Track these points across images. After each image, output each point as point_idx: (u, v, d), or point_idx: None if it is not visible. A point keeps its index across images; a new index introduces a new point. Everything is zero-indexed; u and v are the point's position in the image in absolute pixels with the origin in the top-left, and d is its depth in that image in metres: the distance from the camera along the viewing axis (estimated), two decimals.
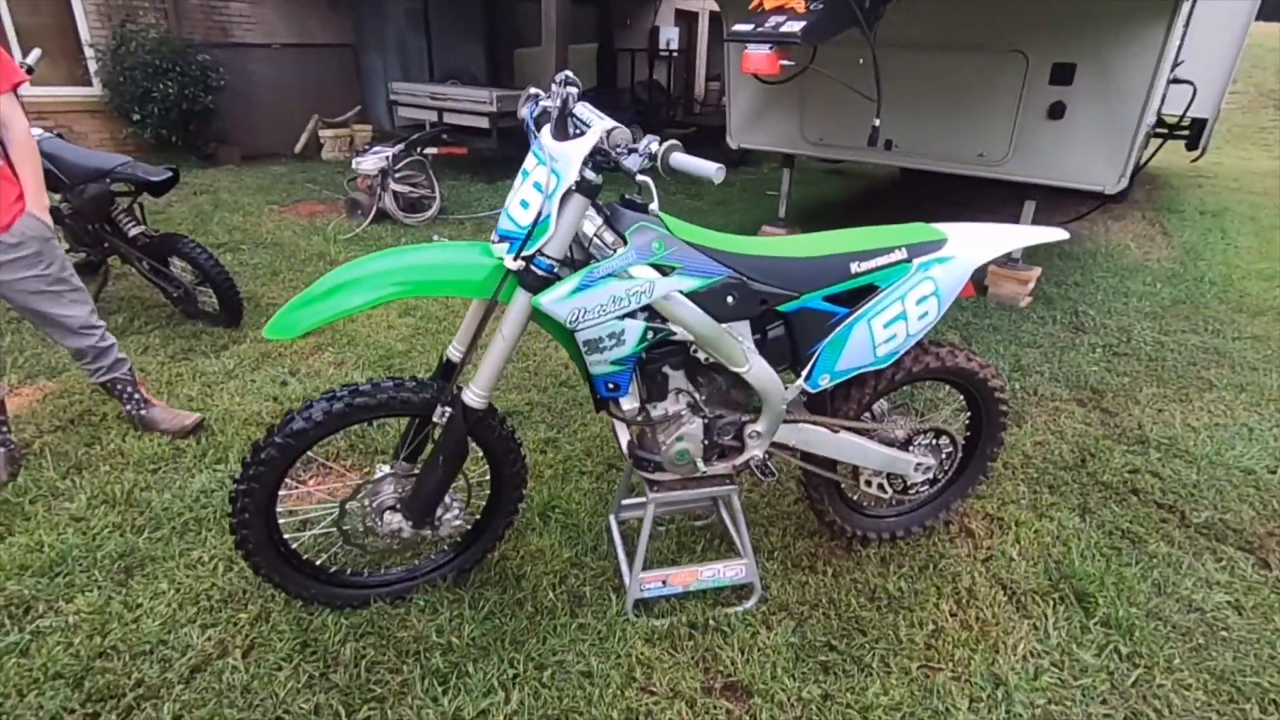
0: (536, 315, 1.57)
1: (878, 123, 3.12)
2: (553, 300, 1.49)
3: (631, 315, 1.57)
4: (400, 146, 5.61)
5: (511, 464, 1.86)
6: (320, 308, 1.47)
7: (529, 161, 1.55)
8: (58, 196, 3.59)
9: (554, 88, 1.68)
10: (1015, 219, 5.55)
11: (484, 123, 7.18)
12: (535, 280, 1.51)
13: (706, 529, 2.29)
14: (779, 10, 2.77)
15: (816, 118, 4.70)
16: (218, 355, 3.29)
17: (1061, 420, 3.05)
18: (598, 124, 1.46)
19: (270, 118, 8.24)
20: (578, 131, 1.56)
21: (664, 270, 1.58)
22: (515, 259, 1.50)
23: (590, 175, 1.44)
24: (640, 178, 1.35)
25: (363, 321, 3.79)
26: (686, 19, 15.55)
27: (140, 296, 3.93)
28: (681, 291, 1.60)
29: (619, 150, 1.40)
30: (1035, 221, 4.40)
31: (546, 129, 1.59)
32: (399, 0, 9.88)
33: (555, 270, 1.53)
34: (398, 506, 1.74)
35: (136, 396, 2.56)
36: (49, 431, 2.58)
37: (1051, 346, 3.80)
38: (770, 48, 2.70)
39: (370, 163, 5.52)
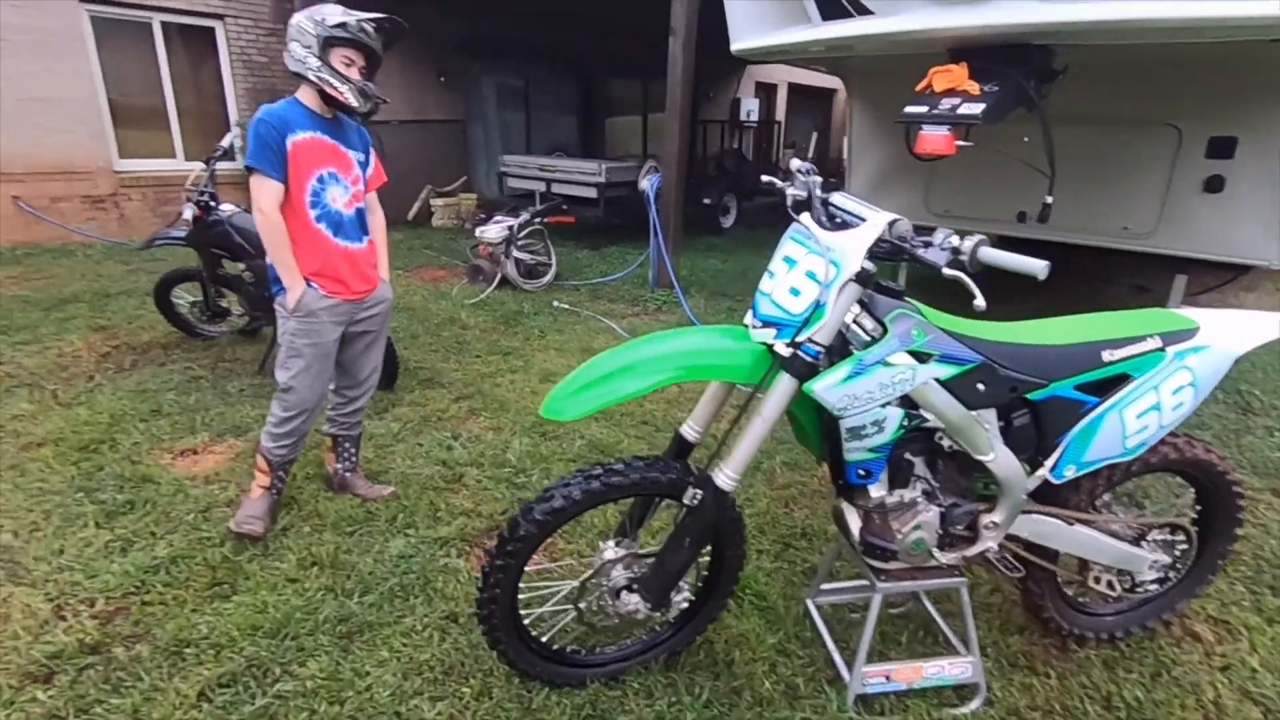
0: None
1: (1050, 199, 3.08)
2: (825, 387, 1.49)
3: (891, 402, 1.56)
4: (525, 216, 5.87)
5: (736, 545, 1.84)
6: (600, 391, 1.51)
7: (793, 250, 1.59)
8: (240, 265, 3.90)
9: (798, 177, 1.73)
10: (1142, 291, 5.34)
11: (592, 192, 7.47)
12: (803, 366, 1.52)
13: (903, 619, 2.20)
14: (952, 93, 2.82)
15: (944, 190, 4.70)
16: (381, 417, 3.42)
17: (1262, 512, 2.84)
18: (875, 216, 1.49)
19: (389, 188, 8.77)
20: (842, 221, 1.59)
21: (921, 357, 1.57)
22: (786, 345, 1.52)
23: (869, 266, 1.46)
24: (948, 271, 1.35)
25: (508, 387, 3.90)
26: (766, 90, 16.02)
27: None
28: (937, 379, 1.58)
29: (912, 243, 1.41)
30: (1160, 298, 4.25)
31: (805, 216, 1.62)
32: (503, 78, 10.54)
33: (821, 356, 1.54)
34: (634, 587, 1.74)
35: (354, 457, 2.69)
36: (246, 491, 2.70)
37: (1223, 429, 3.58)
38: (948, 129, 2.74)
39: (494, 231, 5.79)
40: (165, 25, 7.16)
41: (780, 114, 16.37)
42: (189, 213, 3.64)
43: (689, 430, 1.78)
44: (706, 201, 8.91)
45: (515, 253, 5.80)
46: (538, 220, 5.96)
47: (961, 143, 2.80)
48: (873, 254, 1.47)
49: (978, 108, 2.68)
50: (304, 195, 2.29)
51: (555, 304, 5.53)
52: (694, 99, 13.43)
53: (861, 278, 1.48)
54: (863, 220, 1.53)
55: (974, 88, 2.76)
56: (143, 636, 1.97)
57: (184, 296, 4.31)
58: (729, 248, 8.44)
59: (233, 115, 7.75)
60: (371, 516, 2.58)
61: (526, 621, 1.82)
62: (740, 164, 11.01)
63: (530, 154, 9.80)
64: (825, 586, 2.17)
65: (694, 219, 8.22)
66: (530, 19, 9.06)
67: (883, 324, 1.56)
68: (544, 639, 1.86)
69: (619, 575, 1.77)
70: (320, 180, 2.32)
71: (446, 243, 7.75)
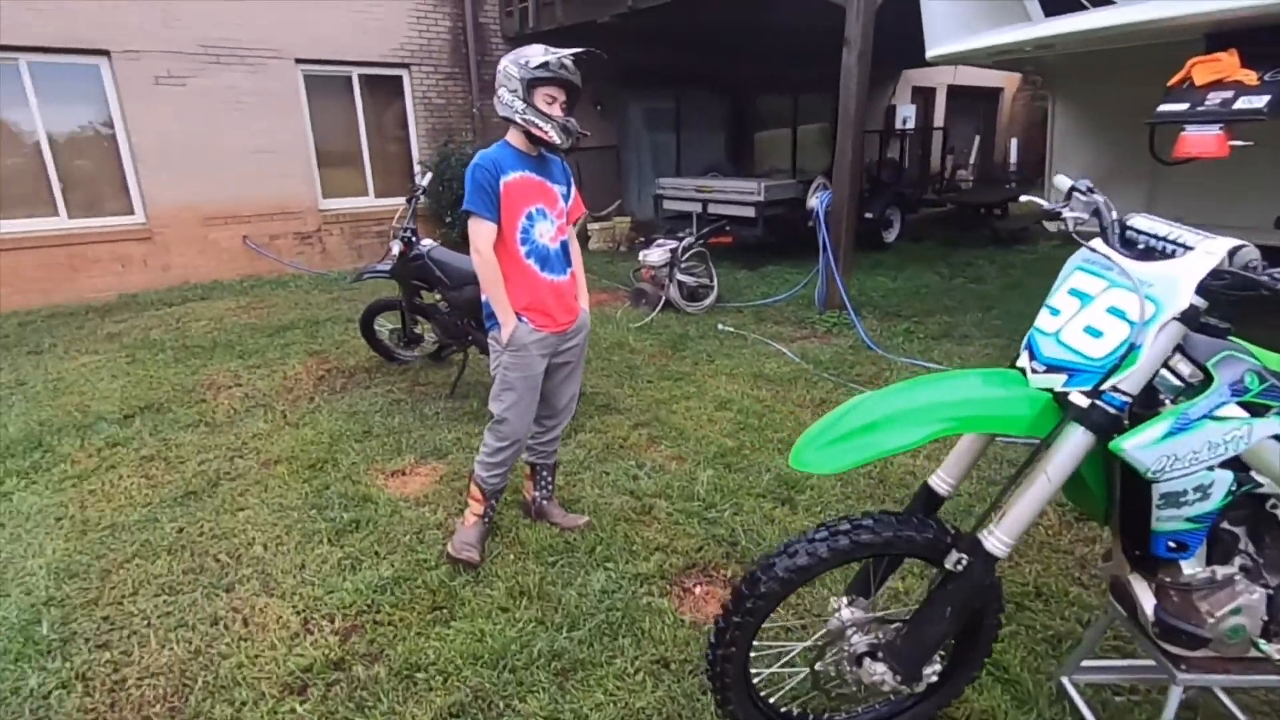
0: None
1: None
2: (1139, 445, 1.26)
3: (1219, 464, 1.30)
4: (688, 238, 5.87)
5: (994, 614, 1.63)
6: (860, 444, 1.37)
7: (1084, 282, 1.37)
8: (437, 295, 4.16)
9: (1077, 195, 1.51)
10: None
11: (750, 211, 7.35)
12: (1104, 419, 1.30)
13: (1188, 708, 1.84)
14: (1219, 85, 2.41)
15: (1175, 194, 4.10)
16: (565, 443, 3.48)
17: None
18: (1205, 242, 1.25)
19: None
20: (1146, 248, 1.36)
21: (1256, 409, 1.29)
22: (1084, 394, 1.31)
23: (1199, 302, 1.23)
24: None
25: (684, 414, 3.85)
26: (923, 95, 15.14)
27: (484, 381, 4.37)
28: (1276, 436, 1.30)
29: (1267, 275, 1.16)
30: None
31: (1099, 243, 1.40)
32: (654, 103, 10.73)
33: (1126, 408, 1.31)
34: (880, 655, 1.57)
35: (551, 485, 2.75)
36: (454, 514, 2.83)
37: None
38: (1220, 128, 2.35)
39: (657, 255, 5.82)
40: (361, 77, 7.96)
41: (939, 119, 15.39)
42: (396, 248, 3.95)
43: (939, 483, 1.60)
44: (868, 216, 8.48)
45: (678, 275, 5.80)
46: (701, 242, 5.93)
47: (1237, 142, 2.37)
48: (1205, 289, 1.23)
49: (1261, 100, 2.25)
50: (515, 233, 2.37)
51: (721, 327, 5.45)
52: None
53: (1188, 317, 1.24)
54: (1183, 247, 1.29)
55: (1250, 77, 2.33)
56: (378, 657, 2.07)
57: (384, 324, 4.68)
58: (896, 264, 7.97)
59: (415, 154, 8.45)
60: (571, 547, 2.59)
61: (756, 681, 1.70)
62: (897, 174, 10.44)
63: (680, 175, 9.86)
64: (1088, 664, 1.88)
65: (855, 235, 7.86)
66: (687, 48, 9.17)
67: (1204, 369, 1.31)
68: (771, 699, 1.74)
69: (859, 640, 1.62)
70: (529, 217, 2.38)
71: (605, 266, 7.94)
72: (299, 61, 7.45)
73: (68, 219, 6.57)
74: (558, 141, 2.34)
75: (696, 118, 11.11)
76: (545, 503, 2.75)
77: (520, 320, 2.39)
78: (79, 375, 4.53)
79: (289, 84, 7.42)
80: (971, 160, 14.82)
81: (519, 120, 2.31)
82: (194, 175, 6.98)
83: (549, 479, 2.76)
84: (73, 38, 6.23)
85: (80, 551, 2.62)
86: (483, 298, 2.43)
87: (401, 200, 8.35)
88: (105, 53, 6.42)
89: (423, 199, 4.21)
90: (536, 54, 2.28)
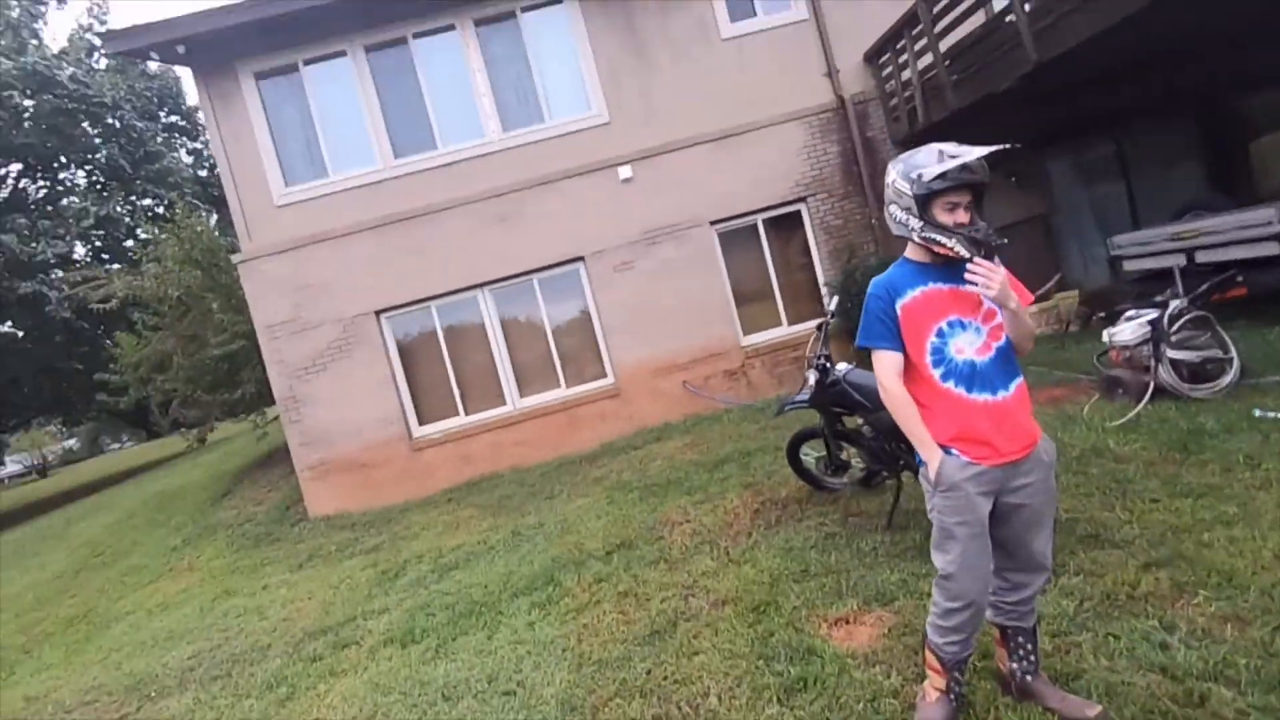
0: None
1: None
2: None
3: None
4: (1176, 301, 4.54)
5: None
6: None
7: None
8: (859, 420, 3.94)
9: None
10: None
11: (1271, 249, 5.40)
12: None
13: None
14: None
15: None
16: (1044, 590, 2.76)
17: None
18: None
19: None
20: None
21: None
22: None
23: None
24: None
25: (1225, 547, 2.74)
26: None
27: (922, 508, 3.88)
28: None
29: None
30: None
31: None
32: (1084, 154, 9.12)
33: None
34: None
35: (1034, 655, 2.18)
36: (910, 680, 2.41)
37: None
38: None
39: (1130, 331, 4.61)
40: (764, 220, 8.69)
41: None
42: (813, 378, 3.92)
43: None
44: None
45: (1170, 352, 4.46)
46: (1198, 303, 4.51)
47: None
48: None
49: None
50: (924, 357, 2.05)
51: (1258, 413, 3.91)
52: None
53: None
54: None
55: None
56: None
57: (810, 452, 4.62)
58: None
59: (820, 277, 8.68)
60: None
61: None
62: None
63: (1140, 226, 7.95)
64: None
65: None
66: (1120, 79, 7.66)
67: None
68: None
69: None
70: (940, 334, 2.04)
71: (1053, 353, 6.68)
72: (713, 223, 8.53)
73: (566, 388, 8.48)
74: (966, 255, 1.98)
75: (1148, 154, 9.01)
76: (1029, 678, 2.14)
77: (948, 453, 2.01)
78: (576, 516, 5.54)
79: (707, 244, 8.51)
80: None
81: (917, 239, 2.05)
82: (643, 336, 8.38)
83: (1029, 647, 2.16)
84: (562, 254, 8.32)
85: (577, 685, 3.00)
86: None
87: (812, 324, 8.58)
88: (581, 258, 8.38)
89: (833, 321, 4.14)
90: (929, 163, 1.98)
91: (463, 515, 6.59)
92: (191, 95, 20.90)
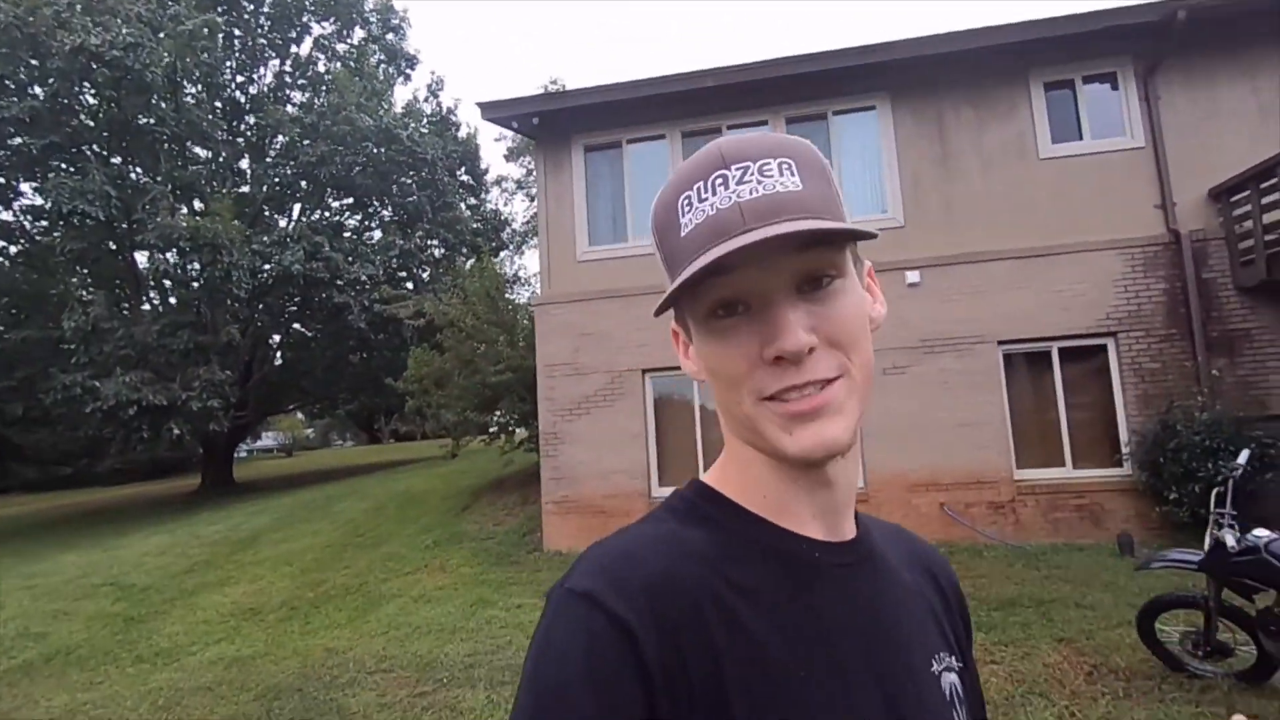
0: None
1: None
2: None
3: None
4: None
5: None
6: None
7: None
8: (1275, 594, 3.30)
9: None
10: None
11: None
12: None
13: None
14: None
15: None
16: None
17: None
18: None
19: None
20: None
21: None
22: None
23: None
24: None
25: None
26: None
27: None
28: None
29: None
30: None
31: None
32: None
33: None
34: None
35: None
36: None
37: None
38: None
39: None
40: (1060, 349, 7.97)
41: None
42: (1231, 539, 3.35)
43: None
44: None
45: None
46: None
47: None
48: None
49: None
50: None
51: None
52: None
53: None
54: None
55: None
56: None
57: (1165, 625, 3.95)
58: None
59: (1122, 423, 7.71)
60: None
61: None
62: None
63: None
64: None
65: None
66: None
67: None
68: None
69: None
70: None
71: None
72: (1000, 343, 8.00)
73: None
74: None
75: None
76: None
77: None
78: None
79: (990, 363, 7.97)
80: None
81: None
82: (905, 447, 7.92)
83: None
84: None
85: None
86: None
87: (1102, 471, 7.58)
88: None
89: (1237, 475, 3.56)
90: None
91: None
92: (484, 159, 24.46)
